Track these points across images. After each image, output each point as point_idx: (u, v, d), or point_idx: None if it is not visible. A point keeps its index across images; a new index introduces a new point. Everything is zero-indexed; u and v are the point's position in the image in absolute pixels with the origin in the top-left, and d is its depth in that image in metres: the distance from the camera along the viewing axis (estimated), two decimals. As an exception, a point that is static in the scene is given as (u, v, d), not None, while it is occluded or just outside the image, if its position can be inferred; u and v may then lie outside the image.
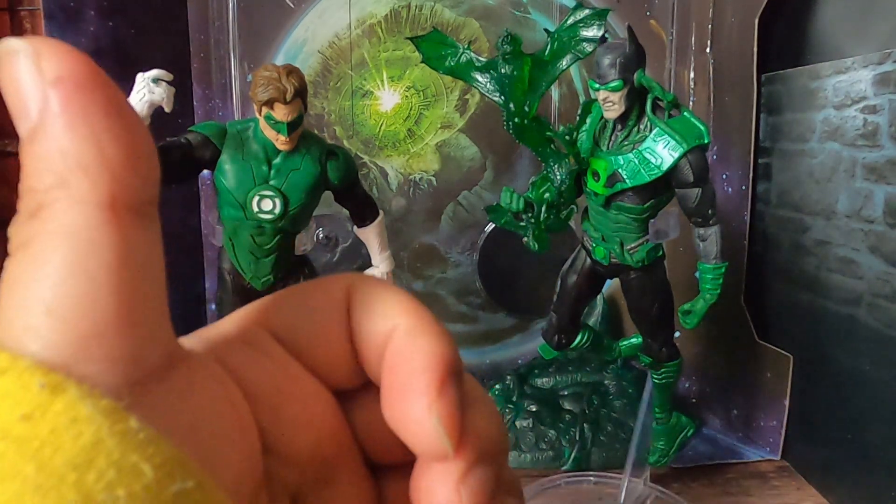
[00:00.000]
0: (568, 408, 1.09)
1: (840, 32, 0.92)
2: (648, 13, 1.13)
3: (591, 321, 1.18)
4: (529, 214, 0.83)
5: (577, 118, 0.83)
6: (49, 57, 0.14)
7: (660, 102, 0.78)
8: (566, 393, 1.12)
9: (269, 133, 0.80)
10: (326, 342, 0.19)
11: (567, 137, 0.77)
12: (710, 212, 0.78)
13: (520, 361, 1.22)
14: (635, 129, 0.79)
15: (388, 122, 1.16)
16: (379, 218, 0.92)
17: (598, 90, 0.77)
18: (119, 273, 0.14)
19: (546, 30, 0.78)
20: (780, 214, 1.02)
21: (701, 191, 0.77)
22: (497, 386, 1.13)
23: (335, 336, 0.19)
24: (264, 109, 0.78)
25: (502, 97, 0.77)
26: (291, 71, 0.79)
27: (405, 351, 0.18)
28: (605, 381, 1.13)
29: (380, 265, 0.94)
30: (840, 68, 0.87)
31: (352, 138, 1.16)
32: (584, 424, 1.05)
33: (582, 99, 1.16)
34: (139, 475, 0.13)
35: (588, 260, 0.87)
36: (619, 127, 0.79)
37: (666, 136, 0.76)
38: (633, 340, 0.96)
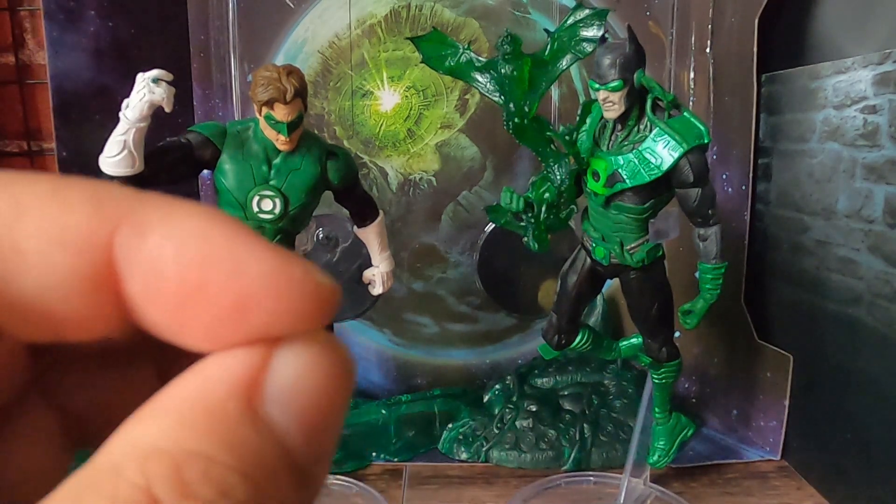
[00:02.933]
0: (568, 408, 1.09)
1: (840, 32, 0.92)
2: (648, 13, 1.13)
3: (591, 321, 1.17)
4: (529, 214, 0.83)
5: (577, 118, 0.83)
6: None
7: (660, 102, 0.77)
8: (566, 393, 1.12)
9: (269, 133, 0.80)
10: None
11: (567, 137, 0.77)
12: (710, 212, 0.78)
13: (520, 361, 1.22)
14: (635, 129, 0.79)
15: (388, 122, 1.16)
16: (379, 218, 0.92)
17: (598, 90, 0.77)
18: None
19: (546, 30, 0.78)
20: (780, 214, 1.02)
21: (701, 191, 0.77)
22: (497, 386, 1.13)
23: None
24: (264, 109, 0.78)
25: (502, 97, 0.77)
26: (291, 71, 0.79)
27: None
28: (605, 381, 1.13)
29: (380, 265, 0.94)
30: (840, 68, 0.87)
31: (352, 138, 1.16)
32: (584, 424, 1.05)
33: (582, 99, 1.16)
34: None
35: (588, 260, 0.87)
36: (619, 127, 0.79)
37: (666, 136, 0.76)
38: (633, 340, 0.96)
